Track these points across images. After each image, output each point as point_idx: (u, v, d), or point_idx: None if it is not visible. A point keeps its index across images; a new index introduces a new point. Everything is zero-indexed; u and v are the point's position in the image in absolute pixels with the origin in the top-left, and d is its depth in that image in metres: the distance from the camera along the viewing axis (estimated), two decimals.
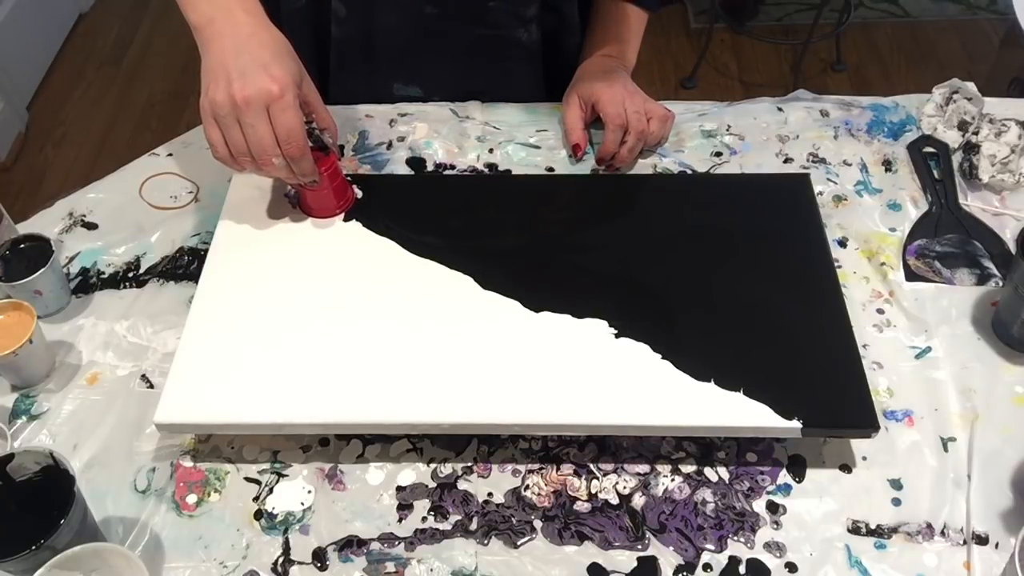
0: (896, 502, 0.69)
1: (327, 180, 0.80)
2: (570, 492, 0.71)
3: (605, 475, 0.71)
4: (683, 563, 0.66)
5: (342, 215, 0.84)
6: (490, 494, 0.71)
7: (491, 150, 0.95)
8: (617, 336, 0.73)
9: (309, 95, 0.76)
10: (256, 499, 0.71)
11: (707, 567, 0.66)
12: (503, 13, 0.94)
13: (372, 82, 1.00)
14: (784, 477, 0.71)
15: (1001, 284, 0.82)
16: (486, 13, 0.94)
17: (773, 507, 0.69)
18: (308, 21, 0.95)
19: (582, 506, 0.70)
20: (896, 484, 0.70)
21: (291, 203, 0.85)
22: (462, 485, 0.71)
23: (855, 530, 0.68)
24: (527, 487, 0.71)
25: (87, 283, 0.86)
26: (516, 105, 1.00)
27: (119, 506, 0.71)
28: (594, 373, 0.71)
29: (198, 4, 0.74)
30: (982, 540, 0.67)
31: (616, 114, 0.88)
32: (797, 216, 0.83)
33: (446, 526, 0.69)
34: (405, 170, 0.93)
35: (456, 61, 0.98)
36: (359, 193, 0.85)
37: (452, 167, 0.94)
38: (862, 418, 0.68)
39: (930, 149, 0.94)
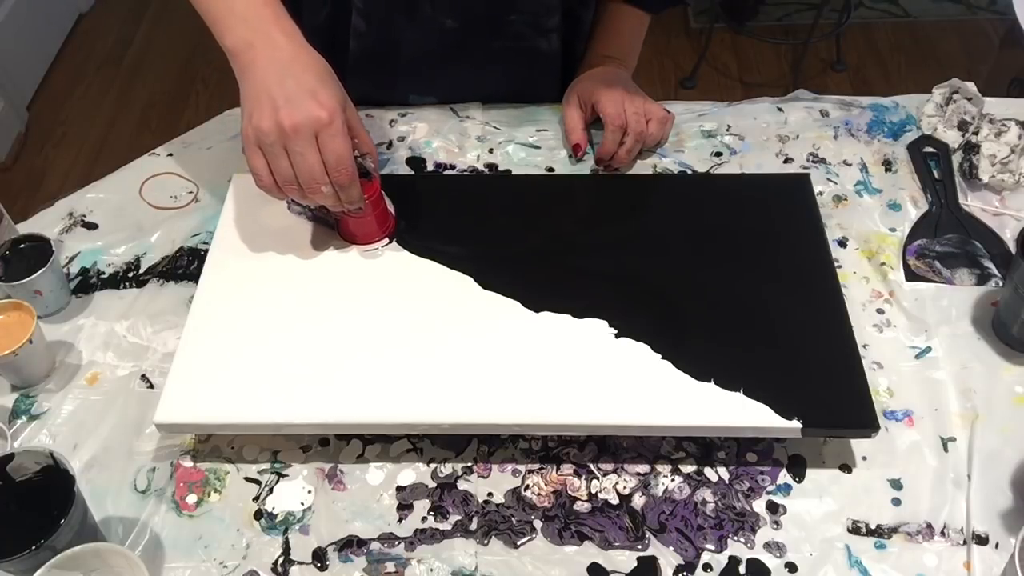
0: (896, 502, 0.69)
1: (370, 206, 0.77)
2: (570, 492, 0.71)
3: (605, 475, 0.71)
4: (683, 563, 0.66)
5: (384, 241, 0.81)
6: (490, 494, 0.71)
7: (491, 150, 0.95)
8: (617, 336, 0.73)
9: (352, 119, 0.74)
10: (256, 499, 0.71)
11: (707, 567, 0.66)
12: (524, 25, 0.94)
13: (387, 92, 0.99)
14: (784, 477, 0.71)
15: (1001, 284, 0.82)
16: (507, 26, 0.93)
17: (773, 507, 0.69)
18: (326, 36, 0.93)
19: (582, 506, 0.70)
20: (896, 484, 0.70)
21: (288, 208, 0.84)
22: (462, 485, 0.71)
23: (855, 530, 0.68)
24: (527, 487, 0.71)
25: (87, 283, 0.86)
26: (516, 105, 1.00)
27: (119, 506, 0.71)
28: (594, 373, 0.71)
29: (234, 28, 0.71)
30: (982, 540, 0.67)
31: (615, 114, 0.88)
32: (797, 216, 0.83)
33: (446, 526, 0.69)
34: (405, 170, 0.93)
35: (475, 73, 0.98)
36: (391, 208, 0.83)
37: (452, 167, 0.94)
38: (862, 418, 0.68)
39: (930, 149, 0.94)
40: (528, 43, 0.95)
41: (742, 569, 0.66)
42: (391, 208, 0.83)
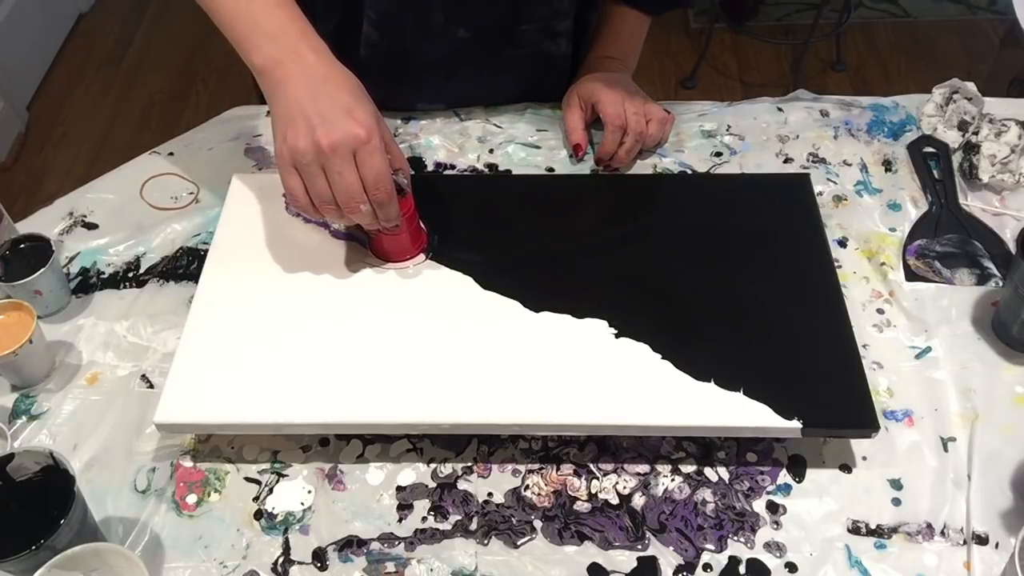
0: (896, 502, 0.69)
1: (405, 223, 0.75)
2: (570, 492, 0.71)
3: (605, 475, 0.71)
4: (683, 563, 0.66)
5: (420, 258, 0.80)
6: (490, 494, 0.71)
7: (491, 150, 0.95)
8: (617, 336, 0.73)
9: (385, 134, 0.71)
10: (256, 499, 0.71)
11: (707, 567, 0.66)
12: (536, 32, 0.93)
13: (396, 99, 0.98)
14: (784, 477, 0.71)
15: (1001, 284, 0.82)
16: (520, 35, 0.93)
17: (773, 507, 0.69)
18: (334, 43, 0.92)
19: (582, 506, 0.70)
20: (896, 484, 0.70)
21: (286, 209, 0.84)
22: (462, 485, 0.71)
23: (855, 530, 0.68)
24: (527, 487, 0.71)
25: (87, 283, 0.86)
26: (516, 105, 1.00)
27: (119, 506, 0.71)
28: (594, 373, 0.71)
29: (262, 46, 0.69)
30: (982, 540, 0.67)
31: (615, 115, 0.88)
32: (797, 216, 0.83)
33: (446, 526, 0.69)
34: None
35: (485, 79, 0.97)
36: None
37: (452, 167, 0.94)
38: (862, 418, 0.68)
39: (930, 149, 0.94)
40: (539, 48, 0.95)
41: (742, 569, 0.66)
42: (422, 223, 0.81)
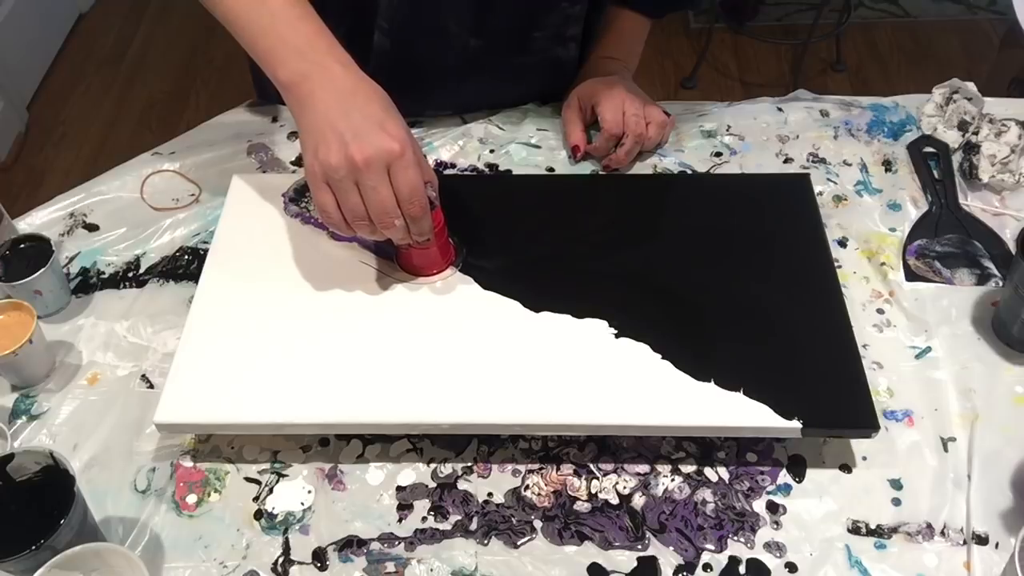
0: (896, 502, 0.69)
1: (434, 237, 0.74)
2: (570, 492, 0.71)
3: (605, 475, 0.71)
4: (683, 563, 0.66)
5: (449, 271, 0.79)
6: (490, 494, 0.71)
7: (492, 150, 0.95)
8: (617, 336, 0.73)
9: (415, 147, 0.70)
10: (256, 499, 0.71)
11: (707, 567, 0.66)
12: (547, 38, 0.93)
13: (404, 107, 0.98)
14: (784, 477, 0.71)
15: (1001, 284, 0.82)
16: (531, 42, 0.93)
17: (773, 507, 0.69)
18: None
19: (582, 506, 0.70)
20: (896, 484, 0.70)
21: (285, 209, 0.84)
22: (462, 485, 0.71)
23: (855, 530, 0.68)
24: (527, 487, 0.71)
25: (87, 283, 0.86)
26: (519, 107, 1.00)
27: (119, 506, 0.71)
28: (594, 373, 0.71)
29: (287, 60, 0.68)
30: (982, 540, 0.67)
31: (613, 121, 0.88)
32: (797, 216, 0.83)
33: (446, 526, 0.69)
34: None
35: (495, 86, 0.97)
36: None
37: (453, 166, 0.94)
38: (862, 418, 0.68)
39: (930, 149, 0.94)
40: (550, 55, 0.95)
41: (742, 569, 0.66)
42: (451, 237, 0.79)
